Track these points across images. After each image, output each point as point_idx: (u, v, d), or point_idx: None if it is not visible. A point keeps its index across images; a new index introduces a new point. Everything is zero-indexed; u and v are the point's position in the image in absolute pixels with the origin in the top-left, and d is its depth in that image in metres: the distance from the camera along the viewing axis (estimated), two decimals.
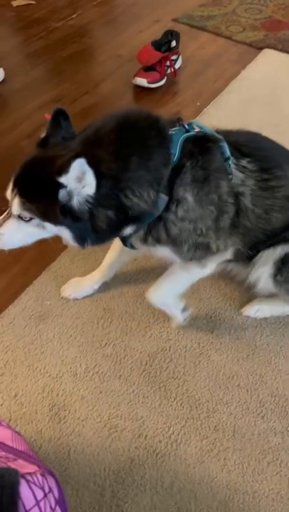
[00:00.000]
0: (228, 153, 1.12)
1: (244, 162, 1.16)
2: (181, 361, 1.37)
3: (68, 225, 1.03)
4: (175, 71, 2.39)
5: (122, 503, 1.11)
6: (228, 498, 1.13)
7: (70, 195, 0.99)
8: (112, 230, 1.09)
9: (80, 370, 1.34)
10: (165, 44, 2.38)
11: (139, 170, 1.03)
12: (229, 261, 1.34)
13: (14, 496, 0.55)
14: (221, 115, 2.19)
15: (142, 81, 2.32)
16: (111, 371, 1.34)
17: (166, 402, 1.28)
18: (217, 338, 1.42)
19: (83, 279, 1.51)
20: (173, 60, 2.40)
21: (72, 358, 1.36)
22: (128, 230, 1.12)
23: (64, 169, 0.95)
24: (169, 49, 2.38)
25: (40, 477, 0.59)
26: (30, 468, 0.62)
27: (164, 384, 1.32)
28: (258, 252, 1.31)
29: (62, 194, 0.99)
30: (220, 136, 1.14)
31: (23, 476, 0.58)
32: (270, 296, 1.44)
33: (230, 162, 1.12)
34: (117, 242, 1.43)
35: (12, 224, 1.08)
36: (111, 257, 1.48)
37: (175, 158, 1.07)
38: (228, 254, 1.27)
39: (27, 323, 1.43)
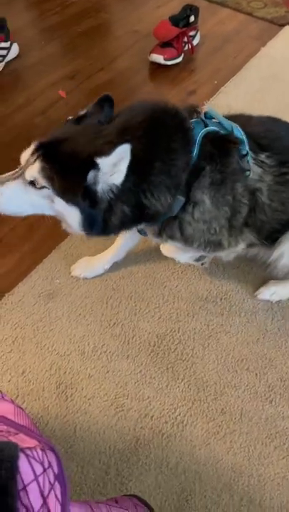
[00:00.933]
0: (246, 149, 1.10)
1: (263, 157, 1.14)
2: (189, 343, 1.35)
3: (82, 208, 1.00)
4: (193, 47, 2.32)
5: (126, 481, 1.12)
6: (232, 481, 1.13)
7: (95, 179, 0.97)
8: (123, 225, 1.08)
9: (88, 349, 1.33)
10: (183, 19, 2.30)
11: (161, 175, 1.03)
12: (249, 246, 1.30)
13: (13, 470, 0.54)
14: (239, 93, 2.13)
15: (158, 57, 2.26)
16: (119, 351, 1.33)
17: (173, 383, 1.28)
18: (227, 320, 1.40)
19: (94, 259, 1.50)
20: (191, 36, 2.33)
21: (81, 337, 1.36)
22: (140, 226, 1.13)
23: (106, 151, 0.93)
24: (187, 24, 2.31)
25: (39, 452, 0.58)
26: (31, 442, 0.62)
27: (172, 365, 1.31)
28: (277, 239, 1.26)
29: (91, 175, 0.96)
30: (240, 136, 1.10)
31: (22, 450, 0.57)
32: (287, 279, 1.41)
33: (248, 158, 1.10)
34: None
35: (18, 186, 1.02)
36: (121, 240, 1.47)
37: (193, 157, 1.06)
38: (240, 249, 1.26)
39: (36, 301, 1.43)
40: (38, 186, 1.00)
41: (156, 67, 2.28)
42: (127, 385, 1.27)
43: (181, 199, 1.07)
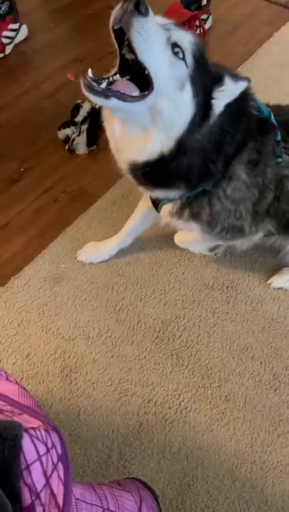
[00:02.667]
0: (279, 136, 1.08)
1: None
2: (194, 330, 1.35)
3: (198, 109, 0.92)
4: (204, 31, 2.28)
5: (128, 465, 1.12)
6: (235, 467, 1.13)
7: (216, 97, 0.94)
8: (197, 161, 1.00)
9: (93, 334, 1.33)
10: (195, 2, 2.25)
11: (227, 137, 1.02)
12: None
13: (16, 450, 0.54)
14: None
15: None
16: (124, 336, 1.33)
17: (177, 369, 1.27)
18: (233, 308, 1.39)
19: (100, 244, 1.49)
20: (203, 19, 2.29)
21: (86, 322, 1.36)
22: (172, 192, 1.08)
23: (238, 79, 0.96)
24: (200, 7, 2.26)
25: (43, 432, 0.58)
26: (35, 423, 0.62)
27: (177, 352, 1.31)
28: None
29: (217, 89, 0.94)
30: (276, 125, 1.09)
31: (26, 430, 0.57)
32: None
33: (281, 145, 1.09)
34: (139, 210, 1.42)
35: (162, 34, 0.86)
36: (131, 225, 1.46)
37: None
38: (257, 237, 1.25)
39: (42, 285, 1.43)
40: (179, 55, 0.87)
41: None
42: (131, 371, 1.27)
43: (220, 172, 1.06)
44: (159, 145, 0.94)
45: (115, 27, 0.84)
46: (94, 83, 0.86)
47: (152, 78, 0.85)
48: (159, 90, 0.87)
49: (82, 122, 1.79)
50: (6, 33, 2.15)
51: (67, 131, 1.79)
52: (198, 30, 2.27)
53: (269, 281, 1.44)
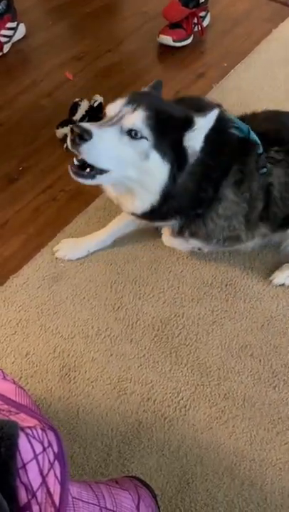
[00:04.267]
0: (261, 149, 1.15)
1: (272, 153, 1.18)
2: (193, 328, 1.35)
3: (172, 166, 1.03)
4: (203, 29, 2.27)
5: (128, 463, 1.12)
6: (234, 465, 1.13)
7: (189, 140, 1.03)
8: (186, 200, 1.12)
9: (92, 333, 1.33)
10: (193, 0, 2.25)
11: (214, 167, 1.11)
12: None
13: (13, 449, 0.54)
14: (248, 76, 2.08)
15: (167, 39, 2.21)
16: (123, 335, 1.33)
17: (176, 367, 1.27)
18: (232, 306, 1.39)
19: (79, 240, 1.49)
20: (201, 16, 2.28)
21: (85, 320, 1.36)
22: (171, 222, 1.20)
23: (207, 112, 1.01)
24: (198, 5, 2.25)
25: (40, 431, 0.58)
26: (31, 422, 0.62)
27: (176, 350, 1.31)
28: None
29: (189, 134, 1.02)
30: (255, 138, 1.16)
31: (22, 429, 0.57)
32: None
33: (263, 156, 1.16)
34: (125, 214, 1.42)
35: (114, 132, 0.99)
36: (115, 226, 1.48)
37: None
38: (253, 243, 1.34)
39: (40, 284, 1.43)
40: (137, 136, 0.99)
41: (164, 48, 2.24)
42: (130, 369, 1.27)
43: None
44: (147, 201, 1.09)
45: (75, 162, 1.04)
46: (80, 170, 1.04)
47: (108, 169, 1.02)
48: (116, 170, 1.03)
49: (81, 121, 1.79)
50: (3, 32, 2.15)
51: (66, 129, 1.78)
52: (196, 27, 2.27)
53: (270, 278, 1.44)
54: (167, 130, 1.01)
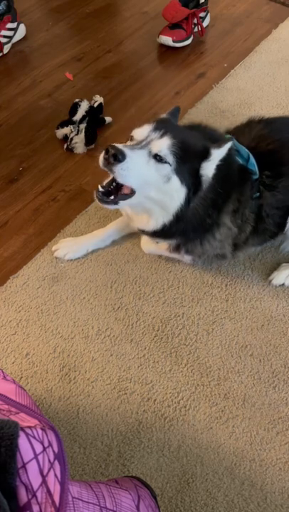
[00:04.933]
0: (257, 175, 1.24)
1: (264, 177, 1.26)
2: (193, 328, 1.35)
3: (188, 191, 1.12)
4: (202, 29, 2.27)
5: (128, 463, 1.12)
6: (234, 465, 1.13)
7: (205, 169, 1.12)
8: (194, 224, 1.19)
9: (92, 333, 1.34)
10: (193, 0, 2.25)
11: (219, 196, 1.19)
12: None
13: (12, 448, 0.54)
14: (249, 76, 2.09)
15: (167, 39, 2.21)
16: (123, 335, 1.33)
17: (176, 367, 1.28)
18: (232, 306, 1.39)
19: (78, 240, 1.50)
20: (201, 17, 2.28)
21: (85, 320, 1.36)
22: (172, 241, 1.30)
23: (221, 144, 1.11)
24: (197, 5, 2.25)
25: (40, 431, 0.58)
26: (31, 422, 0.62)
27: (176, 350, 1.31)
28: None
29: (205, 164, 1.11)
30: (254, 164, 1.24)
31: (22, 429, 0.57)
32: None
33: (258, 182, 1.25)
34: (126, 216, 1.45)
35: (143, 155, 1.08)
36: (114, 227, 1.49)
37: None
38: (241, 257, 1.45)
39: (41, 284, 1.43)
40: (162, 161, 1.08)
41: (164, 49, 2.24)
42: (130, 369, 1.27)
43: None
44: (161, 221, 1.17)
45: (100, 189, 1.13)
46: (104, 197, 1.13)
47: (133, 189, 1.11)
48: (140, 191, 1.11)
49: (81, 121, 1.79)
50: (4, 32, 2.15)
51: (66, 130, 1.79)
52: (196, 28, 2.27)
53: (269, 279, 1.44)
54: (187, 158, 1.10)
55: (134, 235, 1.52)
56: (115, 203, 1.13)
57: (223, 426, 1.18)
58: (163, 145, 1.08)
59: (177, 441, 1.16)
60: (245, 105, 1.96)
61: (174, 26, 2.22)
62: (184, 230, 1.21)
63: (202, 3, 2.26)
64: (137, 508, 0.75)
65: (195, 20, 2.24)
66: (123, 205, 1.16)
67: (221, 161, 1.13)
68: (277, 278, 1.43)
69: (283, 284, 1.42)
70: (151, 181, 1.09)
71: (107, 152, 1.04)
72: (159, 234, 1.22)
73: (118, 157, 1.03)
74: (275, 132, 1.32)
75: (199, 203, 1.16)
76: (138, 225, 1.24)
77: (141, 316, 1.37)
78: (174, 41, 2.21)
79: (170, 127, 1.14)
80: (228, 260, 1.42)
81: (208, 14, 2.36)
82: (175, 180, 1.10)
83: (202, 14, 2.29)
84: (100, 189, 1.14)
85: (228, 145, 1.12)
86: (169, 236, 1.26)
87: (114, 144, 1.05)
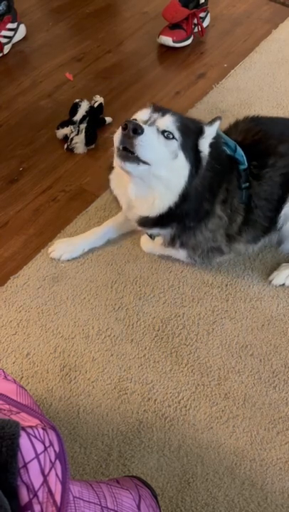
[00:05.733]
0: (244, 166, 1.28)
1: (252, 168, 1.30)
2: (194, 328, 1.35)
3: (191, 166, 1.16)
4: (203, 29, 2.27)
5: (128, 463, 1.12)
6: (234, 465, 1.13)
7: (201, 146, 1.18)
8: (194, 206, 1.21)
9: (92, 333, 1.34)
10: (193, 0, 2.25)
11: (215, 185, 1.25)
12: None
13: (14, 448, 0.55)
14: (248, 77, 2.09)
15: (167, 40, 2.21)
16: (123, 335, 1.33)
17: (177, 367, 1.28)
18: (232, 306, 1.39)
19: (73, 240, 1.50)
20: (201, 17, 2.29)
21: (85, 320, 1.36)
22: (167, 230, 1.29)
23: (212, 122, 1.18)
24: (198, 6, 2.25)
25: (41, 431, 0.59)
26: (32, 421, 0.62)
27: (176, 350, 1.31)
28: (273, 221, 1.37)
29: (200, 141, 1.17)
30: (241, 154, 1.28)
31: (23, 428, 0.57)
32: None
33: (247, 172, 1.29)
34: (121, 215, 1.47)
35: (154, 131, 1.11)
36: (109, 225, 1.50)
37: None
38: (234, 253, 1.45)
39: (41, 284, 1.43)
40: (170, 137, 1.12)
41: (164, 49, 2.24)
42: (131, 369, 1.27)
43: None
44: (167, 202, 1.18)
45: (121, 147, 1.09)
46: (127, 153, 1.10)
47: (150, 162, 1.11)
48: (155, 165, 1.12)
49: (81, 121, 1.79)
50: (4, 33, 2.15)
51: (66, 130, 1.79)
52: (196, 28, 2.27)
53: (269, 279, 1.44)
54: (189, 134, 1.16)
55: (134, 234, 1.52)
56: (137, 162, 1.10)
57: (223, 426, 1.18)
58: (168, 122, 1.13)
59: (178, 441, 1.16)
60: (245, 105, 1.96)
61: (174, 26, 2.22)
62: (184, 214, 1.22)
63: (202, 3, 2.26)
64: (138, 507, 0.75)
65: (195, 21, 2.25)
66: (140, 170, 1.12)
67: (211, 147, 1.19)
68: (278, 278, 1.43)
69: (283, 284, 1.42)
70: (163, 157, 1.12)
71: (125, 128, 1.06)
72: (159, 220, 1.22)
73: (138, 130, 1.06)
74: (260, 125, 1.37)
75: (199, 182, 1.19)
76: (140, 212, 1.23)
77: (141, 316, 1.37)
78: (174, 41, 2.22)
79: (165, 108, 1.19)
80: (225, 255, 1.41)
81: (208, 14, 2.36)
82: (181, 157, 1.14)
83: (202, 14, 2.30)
84: (120, 147, 1.10)
85: (217, 123, 1.18)
86: (167, 222, 1.24)
87: (128, 120, 1.08)
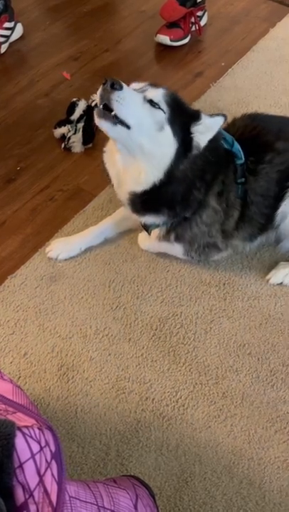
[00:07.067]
0: (241, 160, 1.27)
1: (249, 163, 1.29)
2: (192, 327, 1.35)
3: (179, 145, 1.14)
4: (200, 28, 2.27)
5: (126, 462, 1.12)
6: (232, 464, 1.13)
7: (195, 130, 1.16)
8: (182, 192, 1.20)
9: (90, 332, 1.33)
10: None
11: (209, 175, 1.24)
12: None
13: (9, 448, 0.54)
14: (246, 75, 2.08)
15: (164, 38, 2.21)
16: (121, 334, 1.33)
17: (174, 366, 1.28)
18: (230, 305, 1.39)
19: (70, 239, 1.50)
20: (198, 16, 2.28)
21: (83, 320, 1.36)
22: (158, 217, 1.26)
23: (213, 115, 1.17)
24: (195, 4, 2.24)
25: (37, 430, 0.58)
26: (28, 421, 0.62)
27: (174, 349, 1.31)
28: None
29: (194, 127, 1.15)
30: (238, 148, 1.28)
31: (19, 428, 0.57)
32: None
33: (244, 167, 1.28)
34: (118, 212, 1.48)
35: (139, 97, 1.11)
36: (106, 223, 1.50)
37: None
38: (231, 251, 1.44)
39: (39, 284, 1.43)
40: (155, 106, 1.11)
41: (162, 48, 2.24)
42: (129, 368, 1.27)
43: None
44: (151, 176, 1.16)
45: (101, 105, 1.10)
46: (106, 111, 1.10)
47: (128, 124, 1.10)
48: (135, 130, 1.11)
49: (78, 120, 1.79)
50: (1, 32, 2.14)
51: (63, 129, 1.79)
52: (193, 27, 2.27)
53: (267, 278, 1.44)
54: (180, 112, 1.15)
55: (132, 233, 1.52)
56: (114, 123, 1.09)
57: (221, 425, 1.18)
58: (158, 93, 1.13)
59: (175, 440, 1.16)
60: (243, 104, 1.96)
61: (171, 25, 2.21)
62: (172, 198, 1.20)
63: (199, 2, 2.26)
64: (135, 507, 0.75)
65: (192, 19, 2.24)
66: (118, 132, 1.11)
67: (208, 141, 1.17)
68: (275, 277, 1.43)
69: (281, 283, 1.42)
70: (145, 123, 1.11)
71: (105, 83, 1.07)
72: (148, 202, 1.21)
73: (115, 85, 1.06)
74: (258, 121, 1.37)
75: (189, 167, 1.17)
76: (127, 186, 1.21)
77: (139, 315, 1.37)
78: (171, 40, 2.21)
79: (164, 88, 1.19)
80: (222, 252, 1.40)
81: (206, 13, 2.35)
82: (168, 130, 1.13)
83: (199, 13, 2.29)
84: (101, 106, 1.11)
85: (219, 118, 1.16)
86: (156, 206, 1.23)
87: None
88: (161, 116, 1.12)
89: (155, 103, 1.11)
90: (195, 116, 1.17)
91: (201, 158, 1.18)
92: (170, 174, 1.16)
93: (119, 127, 1.10)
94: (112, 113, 1.09)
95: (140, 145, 1.12)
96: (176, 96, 1.19)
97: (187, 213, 1.26)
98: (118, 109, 1.08)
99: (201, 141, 1.17)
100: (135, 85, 1.18)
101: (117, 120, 1.09)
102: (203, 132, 1.16)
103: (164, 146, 1.13)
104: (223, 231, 1.33)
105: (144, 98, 1.12)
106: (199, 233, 1.31)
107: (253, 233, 1.39)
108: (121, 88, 1.07)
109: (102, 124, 1.10)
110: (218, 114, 1.18)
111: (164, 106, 1.12)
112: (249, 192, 1.30)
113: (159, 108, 1.12)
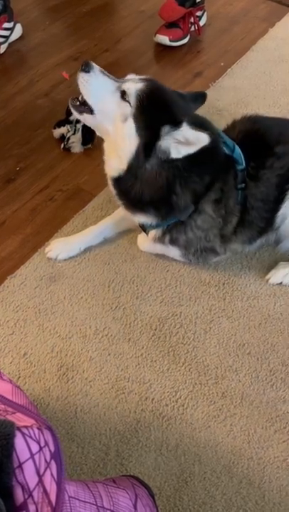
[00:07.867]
0: (242, 166, 1.27)
1: (249, 169, 1.29)
2: (191, 327, 1.35)
3: (141, 144, 1.14)
4: (199, 28, 2.27)
5: (126, 462, 1.12)
6: (232, 463, 1.13)
7: (166, 134, 1.12)
8: (156, 194, 1.21)
9: (90, 332, 1.34)
10: None
11: (196, 179, 1.22)
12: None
13: (8, 448, 0.54)
14: (245, 75, 2.09)
15: (163, 38, 2.21)
16: (120, 334, 1.33)
17: (174, 366, 1.28)
18: (229, 305, 1.39)
19: (70, 239, 1.50)
20: (197, 16, 2.28)
21: (82, 320, 1.36)
22: (147, 217, 1.28)
23: (194, 127, 1.10)
24: (194, 4, 2.25)
25: (36, 430, 0.58)
26: (28, 421, 0.62)
27: (173, 349, 1.31)
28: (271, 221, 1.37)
29: (167, 129, 1.12)
30: (238, 154, 1.27)
31: (19, 428, 0.57)
32: None
33: (244, 173, 1.27)
34: (119, 212, 1.47)
35: (111, 83, 1.15)
36: (106, 223, 1.50)
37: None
38: (230, 254, 1.44)
39: (38, 284, 1.43)
40: (126, 98, 1.13)
41: (161, 48, 2.24)
42: (128, 368, 1.27)
43: (192, 207, 1.25)
44: (116, 164, 1.20)
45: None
46: (76, 102, 1.21)
47: (92, 107, 1.18)
48: (98, 115, 1.18)
49: (78, 121, 1.78)
50: (0, 32, 2.14)
51: (63, 129, 1.78)
52: (192, 27, 2.27)
53: (266, 277, 1.44)
54: (153, 113, 1.14)
55: (131, 233, 1.52)
56: (80, 112, 1.20)
57: (221, 424, 1.19)
58: (133, 87, 1.14)
59: (175, 440, 1.16)
60: (242, 104, 1.96)
61: (170, 25, 2.22)
62: (149, 201, 1.22)
63: (199, 2, 2.26)
64: (134, 507, 0.75)
65: (192, 19, 2.24)
66: (84, 118, 1.22)
67: (207, 147, 1.13)
68: (275, 277, 1.43)
69: (281, 283, 1.43)
70: (109, 111, 1.15)
71: (82, 65, 1.15)
72: (121, 187, 1.24)
73: (86, 68, 1.14)
74: (258, 125, 1.36)
75: (159, 173, 1.17)
76: (108, 172, 1.27)
77: (138, 315, 1.37)
78: (170, 40, 2.21)
79: (160, 85, 1.20)
80: (221, 255, 1.40)
81: (205, 13, 2.35)
82: (130, 124, 1.14)
83: (199, 13, 2.29)
84: (77, 102, 1.21)
85: (201, 135, 1.09)
86: (135, 202, 1.25)
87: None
88: (127, 109, 1.13)
89: (125, 95, 1.13)
90: (175, 122, 1.11)
91: (177, 167, 1.17)
92: (133, 169, 1.18)
93: (86, 115, 1.19)
94: (86, 107, 1.17)
95: (106, 131, 1.19)
96: (159, 96, 1.17)
97: (177, 217, 1.26)
98: (81, 89, 1.15)
99: (174, 151, 1.13)
100: (130, 76, 1.21)
101: (85, 107, 1.17)
102: (181, 143, 1.12)
103: (125, 139, 1.15)
104: (221, 236, 1.33)
105: (118, 88, 1.15)
106: (195, 238, 1.32)
107: (253, 236, 1.39)
108: (88, 71, 1.13)
109: (70, 103, 1.21)
110: (203, 131, 1.10)
111: (133, 100, 1.13)
112: (249, 197, 1.30)
113: (126, 101, 1.13)
